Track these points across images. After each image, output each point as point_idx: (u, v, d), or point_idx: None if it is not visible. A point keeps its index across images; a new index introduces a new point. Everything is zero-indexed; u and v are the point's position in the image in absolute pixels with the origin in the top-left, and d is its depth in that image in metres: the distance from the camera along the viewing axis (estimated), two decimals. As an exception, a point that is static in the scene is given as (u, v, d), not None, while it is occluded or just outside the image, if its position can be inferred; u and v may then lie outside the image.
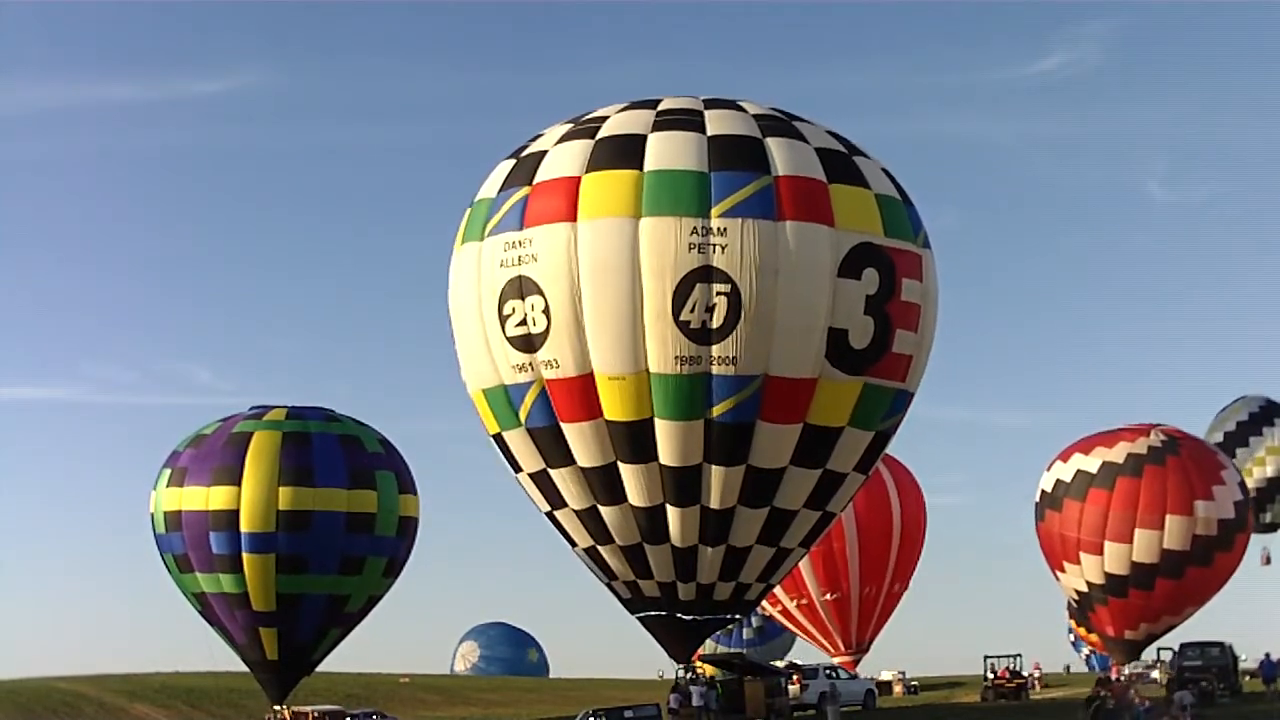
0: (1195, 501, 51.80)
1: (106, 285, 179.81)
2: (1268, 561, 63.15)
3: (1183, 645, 50.73)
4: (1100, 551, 51.89)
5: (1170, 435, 54.42)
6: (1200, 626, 54.82)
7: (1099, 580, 52.42)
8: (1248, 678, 54.50)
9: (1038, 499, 55.37)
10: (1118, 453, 52.78)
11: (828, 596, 60.91)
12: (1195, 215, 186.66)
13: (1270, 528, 66.62)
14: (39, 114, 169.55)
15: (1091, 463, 52.99)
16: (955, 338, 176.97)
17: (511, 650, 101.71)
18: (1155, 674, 58.62)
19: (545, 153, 33.36)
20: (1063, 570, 53.97)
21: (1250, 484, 65.08)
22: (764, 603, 51.21)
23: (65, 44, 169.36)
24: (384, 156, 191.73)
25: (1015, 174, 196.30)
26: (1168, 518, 51.27)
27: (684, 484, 32.85)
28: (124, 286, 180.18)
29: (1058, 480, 53.99)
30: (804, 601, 62.16)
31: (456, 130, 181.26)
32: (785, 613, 64.49)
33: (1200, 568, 51.84)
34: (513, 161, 34.35)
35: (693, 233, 31.16)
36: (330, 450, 52.16)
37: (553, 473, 33.96)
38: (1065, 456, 54.44)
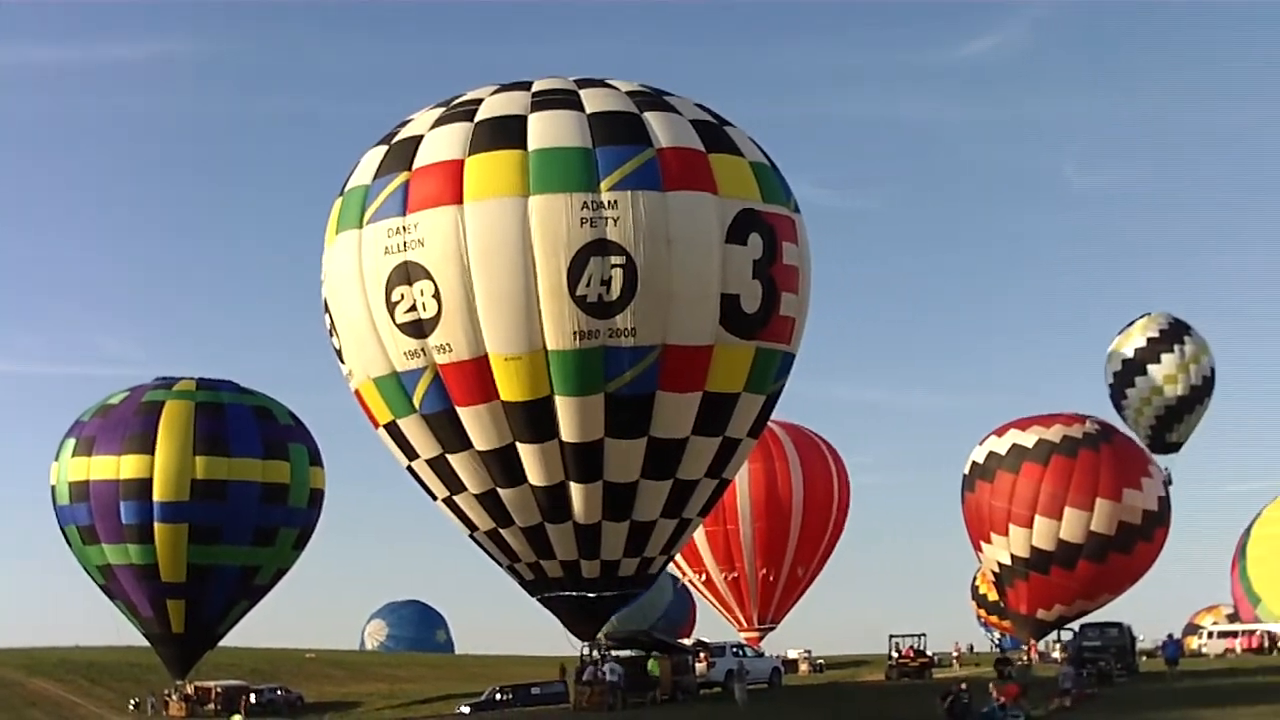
0: (1124, 489, 52.85)
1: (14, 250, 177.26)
2: (1169, 482, 64.21)
3: (1083, 626, 51.49)
4: (1029, 525, 52.68)
5: (1103, 426, 55.61)
6: (1106, 609, 55.87)
7: (1024, 554, 53.20)
8: (1145, 658, 55.51)
9: (967, 471, 55.90)
10: (1054, 433, 53.89)
11: (724, 576, 61.58)
12: (1108, 200, 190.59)
13: (1174, 447, 67.19)
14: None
15: (1028, 439, 53.87)
16: (873, 318, 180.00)
17: (419, 630, 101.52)
18: (1056, 654, 59.55)
19: (421, 137, 32.94)
20: (988, 541, 54.53)
21: (1159, 402, 66.02)
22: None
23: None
24: (302, 126, 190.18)
25: (940, 156, 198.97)
26: (1097, 500, 52.23)
27: (586, 460, 32.76)
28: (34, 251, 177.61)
29: (991, 453, 54.65)
30: (704, 578, 62.81)
31: (378, 102, 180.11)
32: (694, 584, 65.32)
33: (1122, 554, 52.87)
34: (384, 148, 33.84)
35: (583, 207, 31.18)
36: (244, 421, 52.11)
37: (450, 458, 33.63)
38: (1000, 432, 55.20)
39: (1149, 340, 67.36)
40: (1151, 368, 66.48)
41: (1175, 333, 67.11)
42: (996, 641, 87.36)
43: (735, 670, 43.84)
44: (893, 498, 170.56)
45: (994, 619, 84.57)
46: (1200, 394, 66.99)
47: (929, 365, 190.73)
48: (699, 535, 56.94)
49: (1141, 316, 68.97)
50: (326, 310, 35.05)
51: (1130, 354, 67.29)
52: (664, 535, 35.23)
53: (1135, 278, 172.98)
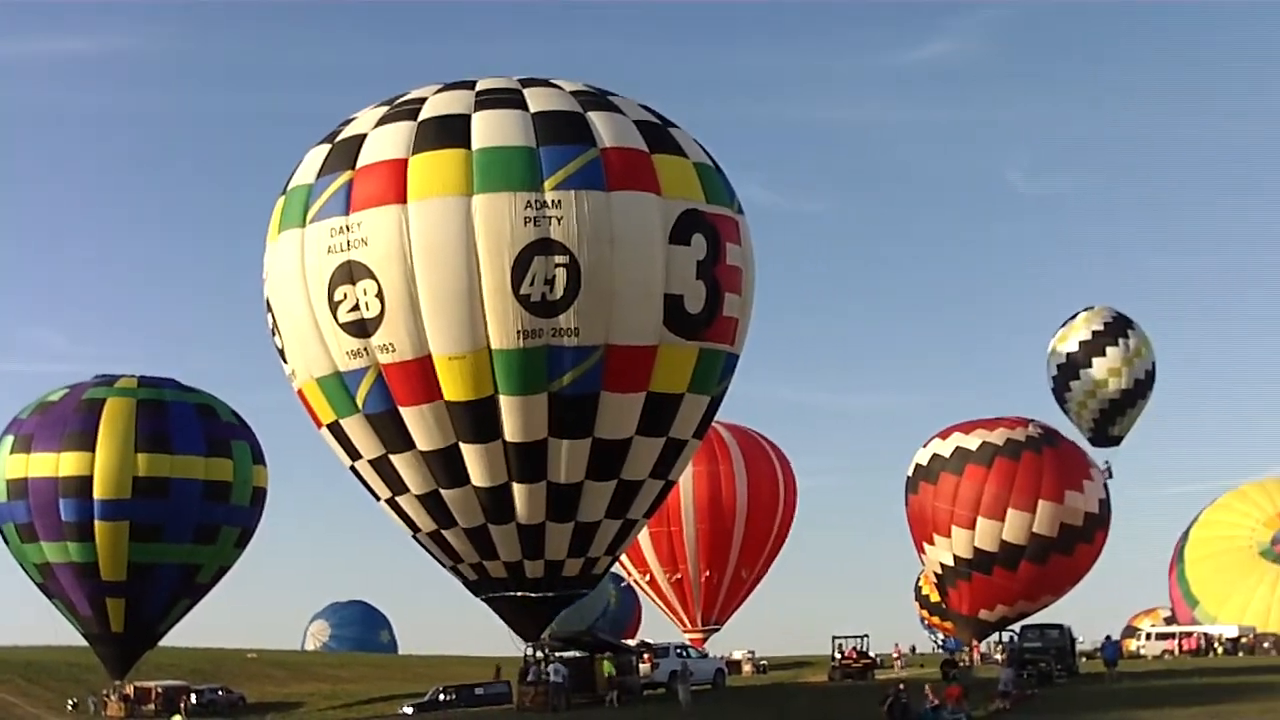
0: (1066, 491, 53.37)
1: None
2: (1109, 475, 64.73)
3: (1023, 627, 51.87)
4: (972, 526, 53.10)
5: (1046, 429, 56.15)
6: (1048, 609, 56.42)
7: (967, 554, 53.60)
8: (1085, 659, 56.00)
9: (911, 473, 56.22)
10: (997, 436, 54.38)
11: (668, 578, 61.69)
12: (1056, 205, 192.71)
13: (1115, 440, 67.75)
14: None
15: (972, 441, 54.32)
16: (820, 319, 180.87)
17: (363, 630, 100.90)
18: (998, 656, 60.00)
19: (364, 136, 32.81)
20: (931, 543, 54.87)
21: (1105, 395, 66.29)
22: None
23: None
24: (247, 122, 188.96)
25: (888, 158, 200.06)
26: (1040, 502, 52.73)
27: (530, 460, 32.77)
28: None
29: (935, 455, 55.02)
30: (649, 579, 62.90)
31: (325, 96, 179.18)
32: (639, 585, 65.50)
33: (1063, 556, 53.39)
34: (328, 146, 33.72)
35: (527, 206, 31.19)
36: (187, 418, 51.68)
37: (393, 458, 33.50)
38: (944, 435, 55.59)
39: (1093, 333, 67.30)
40: (1096, 360, 66.61)
41: (1118, 327, 67.27)
42: (940, 643, 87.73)
43: (679, 671, 43.79)
44: (838, 499, 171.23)
45: (936, 620, 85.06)
46: (1142, 389, 67.19)
47: (875, 367, 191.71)
48: (643, 536, 57.00)
49: (1084, 310, 68.97)
50: (269, 310, 34.87)
51: (1073, 348, 67.31)
52: (608, 536, 35.27)
53: (1080, 281, 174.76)
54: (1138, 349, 66.88)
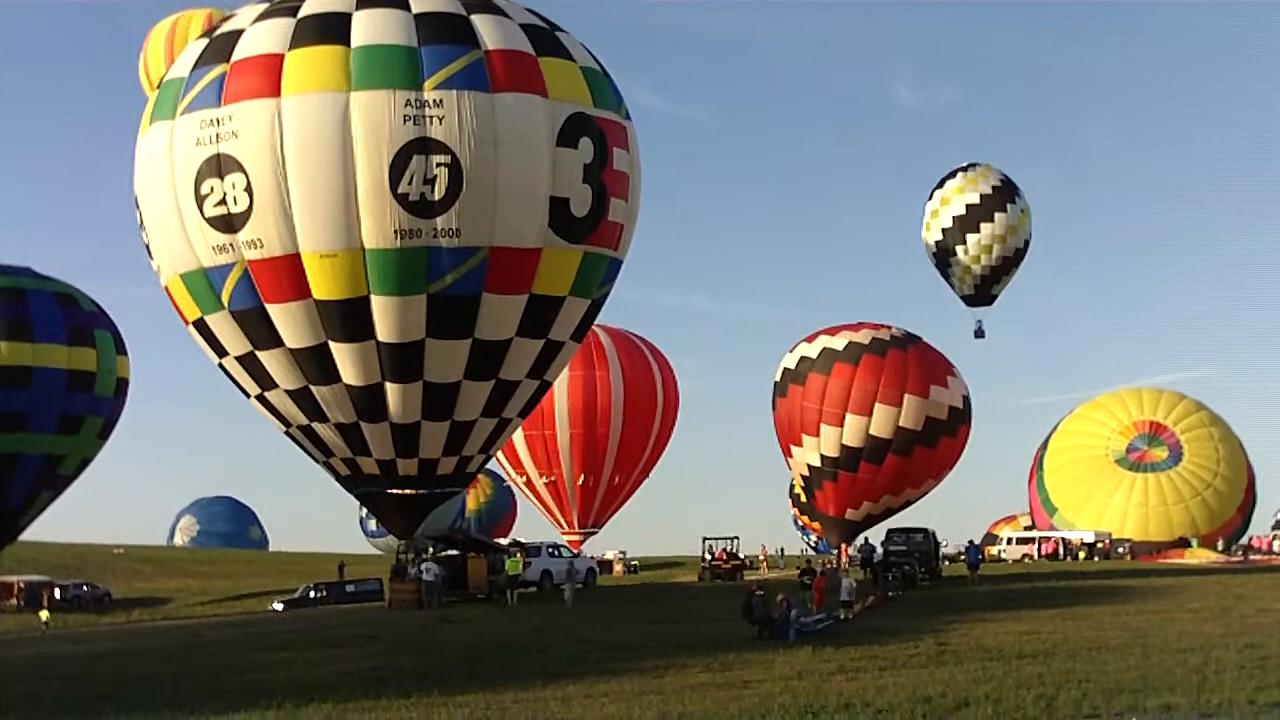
0: (931, 385, 54.29)
1: None
2: (980, 334, 66.06)
3: (889, 531, 52.71)
4: (840, 423, 53.74)
5: (906, 333, 57.04)
6: (914, 515, 57.59)
7: (834, 453, 54.27)
8: (948, 563, 57.26)
9: (778, 377, 56.67)
10: (862, 336, 55.14)
11: (544, 480, 61.75)
12: (941, 118, 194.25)
13: (991, 299, 68.13)
14: None
15: (838, 342, 54.91)
16: (703, 228, 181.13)
17: (233, 526, 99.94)
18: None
19: (242, 31, 31.79)
20: (799, 444, 55.47)
21: (988, 262, 66.79)
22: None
23: None
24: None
25: (769, 70, 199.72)
26: (906, 396, 53.50)
27: (405, 360, 32.32)
28: None
29: (803, 357, 55.55)
30: (525, 480, 62.98)
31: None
32: (517, 486, 65.59)
33: (927, 449, 54.33)
34: (205, 41, 32.72)
35: (407, 105, 30.43)
36: (47, 306, 50.36)
37: (261, 355, 32.84)
38: (811, 339, 56.16)
39: (993, 187, 66.27)
40: (984, 225, 66.03)
41: (1008, 191, 66.69)
42: (812, 544, 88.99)
43: (567, 570, 44.27)
44: (717, 403, 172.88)
45: (806, 519, 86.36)
46: (1022, 254, 67.30)
47: (757, 273, 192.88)
48: (519, 439, 57.03)
49: (968, 167, 67.74)
50: (136, 205, 33.86)
51: (939, 237, 66.62)
52: (483, 434, 35.14)
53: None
54: (1027, 211, 67.14)
